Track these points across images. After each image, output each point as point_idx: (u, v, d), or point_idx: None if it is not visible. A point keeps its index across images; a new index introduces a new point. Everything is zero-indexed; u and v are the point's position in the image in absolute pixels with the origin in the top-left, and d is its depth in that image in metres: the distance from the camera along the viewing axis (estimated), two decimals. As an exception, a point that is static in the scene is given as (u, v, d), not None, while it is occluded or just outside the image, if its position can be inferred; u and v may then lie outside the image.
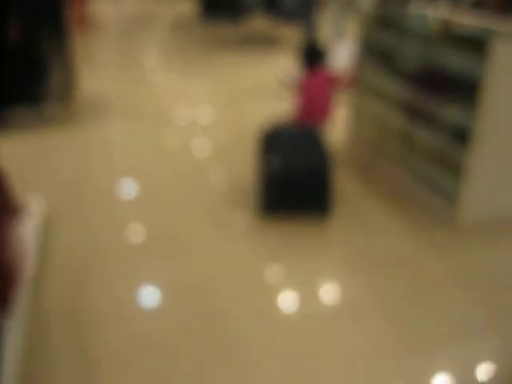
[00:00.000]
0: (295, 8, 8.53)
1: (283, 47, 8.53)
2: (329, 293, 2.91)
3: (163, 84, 6.86)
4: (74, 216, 3.61)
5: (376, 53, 4.21)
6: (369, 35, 4.30)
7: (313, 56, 4.15)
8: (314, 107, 4.10)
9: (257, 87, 6.56)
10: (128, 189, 4.06)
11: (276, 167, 3.54)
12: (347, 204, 3.82)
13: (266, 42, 8.81)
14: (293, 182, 3.59)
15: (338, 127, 4.74)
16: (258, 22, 9.09)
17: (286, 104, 5.21)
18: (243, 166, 4.33)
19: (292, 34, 8.99)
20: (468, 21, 3.56)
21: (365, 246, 3.35)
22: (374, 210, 3.77)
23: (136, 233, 3.47)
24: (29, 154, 4.55)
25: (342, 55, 6.08)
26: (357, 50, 4.45)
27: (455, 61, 3.37)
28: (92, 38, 9.47)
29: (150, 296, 2.86)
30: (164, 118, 5.60)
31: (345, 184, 4.07)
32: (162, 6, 12.95)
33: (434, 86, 3.61)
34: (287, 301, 2.82)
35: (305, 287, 2.94)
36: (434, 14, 3.74)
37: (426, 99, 3.67)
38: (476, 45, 3.18)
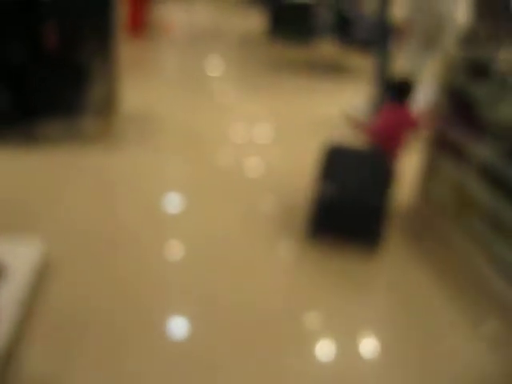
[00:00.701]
0: (369, 35, 7.88)
1: (352, 77, 7.89)
2: (365, 347, 2.66)
3: (220, 101, 6.32)
4: (80, 267, 3.02)
5: (460, 103, 3.51)
6: (453, 81, 3.60)
7: (400, 89, 3.70)
8: (385, 144, 3.60)
9: (318, 117, 5.95)
10: (165, 211, 3.72)
11: (330, 193, 3.43)
12: (397, 270, 3.36)
13: (334, 69, 8.18)
14: (344, 210, 3.44)
15: (405, 181, 4.05)
16: (328, 47, 8.46)
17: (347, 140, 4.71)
18: (295, 192, 4.06)
19: (363, 64, 8.32)
20: None
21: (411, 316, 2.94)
22: (432, 288, 3.17)
23: (173, 255, 3.27)
24: (48, 176, 4.05)
25: (418, 99, 5.38)
26: (437, 96, 3.76)
27: None
28: (151, 45, 9.06)
29: (179, 328, 2.65)
30: (217, 136, 5.18)
31: (401, 249, 3.54)
32: (232, 19, 12.50)
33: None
34: (323, 350, 2.63)
35: (341, 337, 2.72)
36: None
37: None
38: None
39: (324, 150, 3.61)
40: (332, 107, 6.29)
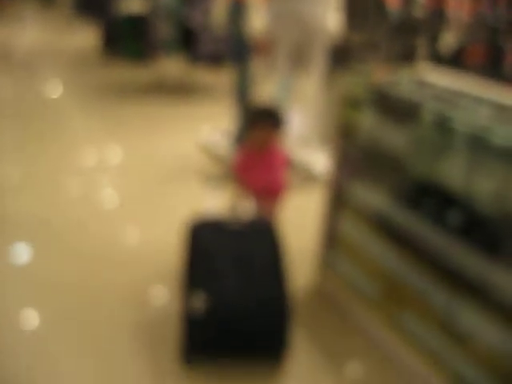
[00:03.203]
0: (217, 49, 6.91)
1: (205, 98, 6.83)
2: None
3: (38, 149, 4.89)
4: None
5: (370, 153, 2.55)
6: (354, 122, 2.64)
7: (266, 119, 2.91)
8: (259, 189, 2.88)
9: (173, 154, 4.82)
10: None
11: (199, 307, 2.26)
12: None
13: (183, 91, 7.05)
14: (225, 327, 2.30)
15: (302, 244, 3.08)
16: (173, 65, 7.33)
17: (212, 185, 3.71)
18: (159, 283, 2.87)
19: (214, 82, 7.32)
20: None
21: None
22: None
23: None
24: None
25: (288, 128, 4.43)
26: (333, 142, 2.78)
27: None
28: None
29: None
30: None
31: (311, 355, 2.50)
32: (66, 36, 10.88)
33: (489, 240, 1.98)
34: None
35: None
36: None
37: (474, 260, 2.03)
38: None
39: (186, 235, 2.54)
40: (187, 139, 5.19)
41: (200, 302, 2.27)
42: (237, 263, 2.41)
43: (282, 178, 2.98)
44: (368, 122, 2.48)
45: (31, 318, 2.68)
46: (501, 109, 2.15)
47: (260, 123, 2.87)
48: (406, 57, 4.53)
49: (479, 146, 1.96)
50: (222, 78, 6.72)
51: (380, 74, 2.62)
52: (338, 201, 2.76)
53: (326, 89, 4.39)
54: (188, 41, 6.89)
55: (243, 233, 2.56)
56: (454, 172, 2.07)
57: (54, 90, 7.02)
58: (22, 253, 3.20)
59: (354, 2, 4.89)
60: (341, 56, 4.55)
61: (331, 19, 4.09)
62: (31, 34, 11.38)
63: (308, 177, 4.24)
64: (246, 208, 2.85)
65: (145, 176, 4.38)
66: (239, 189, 3.02)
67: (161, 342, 2.54)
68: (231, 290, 2.32)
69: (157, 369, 2.40)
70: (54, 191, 4.02)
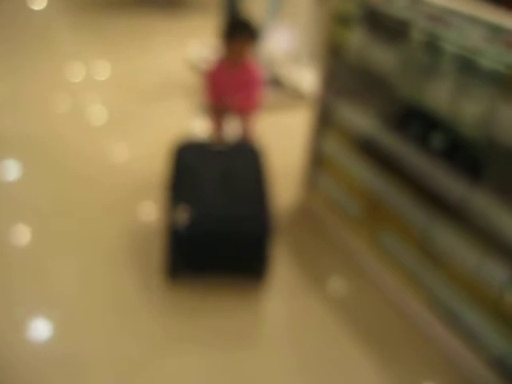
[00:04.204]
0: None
1: (194, 12, 6.60)
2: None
3: (24, 65, 4.76)
4: None
5: (358, 73, 2.50)
6: (343, 39, 2.57)
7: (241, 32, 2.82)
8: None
9: (160, 71, 4.72)
10: None
11: (183, 221, 2.28)
12: (288, 308, 2.43)
13: (172, 4, 6.78)
14: (208, 242, 2.34)
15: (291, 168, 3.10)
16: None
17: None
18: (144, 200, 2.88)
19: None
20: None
21: None
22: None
23: None
24: None
25: (277, 44, 4.32)
26: (320, 60, 2.72)
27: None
28: None
29: None
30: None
31: (292, 275, 2.59)
32: None
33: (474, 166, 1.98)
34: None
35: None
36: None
37: (455, 184, 2.05)
38: None
39: (171, 155, 2.54)
40: (175, 54, 5.07)
41: (184, 214, 2.30)
42: (220, 180, 2.43)
43: (251, 96, 2.92)
44: (357, 40, 2.42)
45: (22, 234, 2.70)
46: (495, 30, 2.09)
47: (235, 36, 2.77)
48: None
49: (467, 67, 1.92)
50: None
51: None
52: (324, 120, 2.74)
53: (318, 5, 4.25)
54: None
55: (227, 152, 2.56)
56: (440, 94, 2.05)
57: (39, 1, 6.75)
58: (10, 170, 3.19)
59: None
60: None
61: None
62: None
63: (295, 95, 4.19)
64: (230, 130, 2.83)
65: (132, 92, 4.30)
66: (204, 96, 2.99)
67: (146, 255, 2.59)
68: (214, 205, 2.34)
69: (142, 281, 2.46)
70: (41, 108, 3.95)
